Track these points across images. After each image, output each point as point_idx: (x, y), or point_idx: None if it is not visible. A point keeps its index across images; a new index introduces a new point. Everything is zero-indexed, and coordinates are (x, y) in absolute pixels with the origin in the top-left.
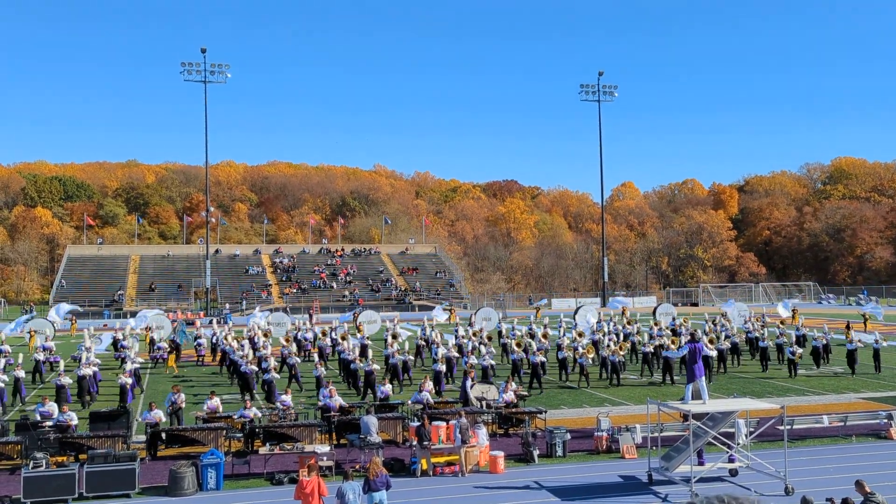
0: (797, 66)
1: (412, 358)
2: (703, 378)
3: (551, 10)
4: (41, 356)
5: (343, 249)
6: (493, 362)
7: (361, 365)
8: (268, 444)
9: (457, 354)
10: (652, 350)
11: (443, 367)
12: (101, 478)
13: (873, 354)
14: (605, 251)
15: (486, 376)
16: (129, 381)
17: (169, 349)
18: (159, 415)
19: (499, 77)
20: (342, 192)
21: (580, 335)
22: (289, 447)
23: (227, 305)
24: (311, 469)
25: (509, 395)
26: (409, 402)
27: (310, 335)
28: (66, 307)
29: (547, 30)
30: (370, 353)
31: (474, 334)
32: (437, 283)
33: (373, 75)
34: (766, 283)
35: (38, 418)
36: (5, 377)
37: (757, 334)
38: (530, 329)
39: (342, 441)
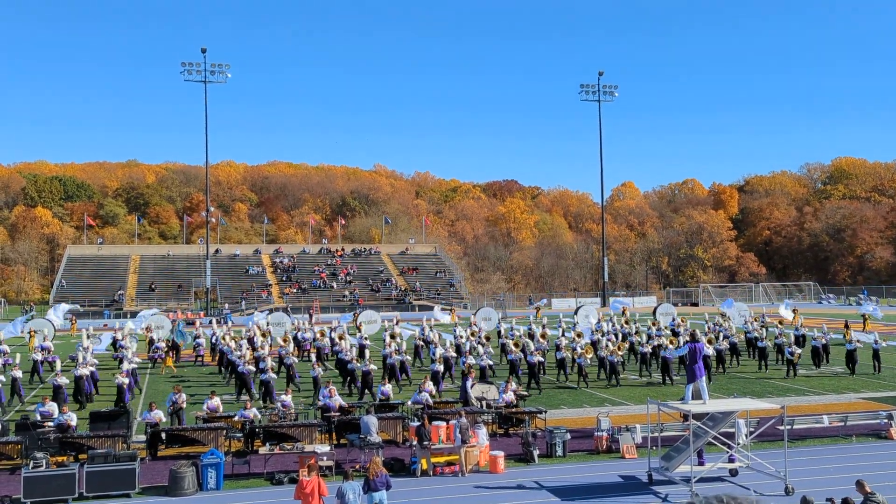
0: (797, 66)
1: (409, 358)
2: (704, 378)
3: (551, 10)
4: (39, 356)
5: (343, 249)
6: (490, 362)
7: (359, 365)
8: (268, 444)
9: (454, 354)
10: (650, 350)
11: (440, 368)
12: (102, 478)
13: (873, 354)
14: (605, 251)
15: (483, 376)
16: (126, 381)
17: (167, 349)
18: (159, 415)
19: (499, 77)
20: (342, 191)
21: (579, 335)
22: (289, 447)
23: (227, 305)
24: (311, 469)
25: (509, 396)
26: (409, 402)
27: (309, 335)
28: (64, 307)
29: (547, 30)
30: (367, 353)
31: (472, 334)
32: (437, 283)
33: (373, 75)
34: (766, 283)
35: (39, 418)
36: (2, 377)
37: (756, 334)
38: (530, 329)
39: (342, 441)
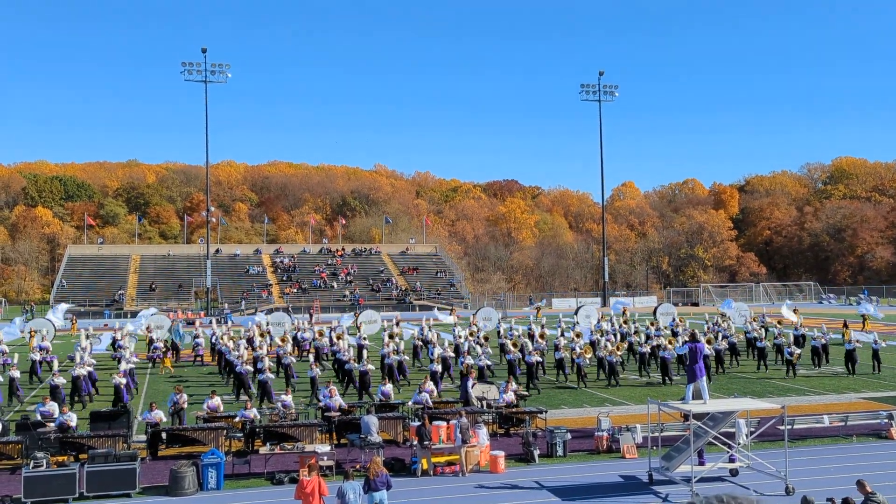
0: (797, 66)
1: (408, 358)
2: (704, 378)
3: (551, 10)
4: (37, 356)
5: (343, 249)
6: (488, 362)
7: (356, 365)
8: (268, 444)
9: (453, 355)
10: (649, 350)
11: (438, 368)
12: (102, 477)
13: (872, 354)
14: (605, 251)
15: (482, 376)
16: (124, 381)
17: (165, 349)
18: (160, 415)
19: (499, 77)
20: (343, 191)
21: (578, 335)
22: (289, 447)
23: (226, 305)
24: (312, 469)
25: (510, 396)
26: (410, 402)
27: (308, 335)
28: (63, 307)
29: (547, 30)
30: (365, 353)
31: (471, 334)
32: (437, 282)
33: (373, 75)
34: (766, 282)
35: (39, 418)
36: (0, 378)
37: (756, 334)
38: (529, 329)
39: (343, 441)
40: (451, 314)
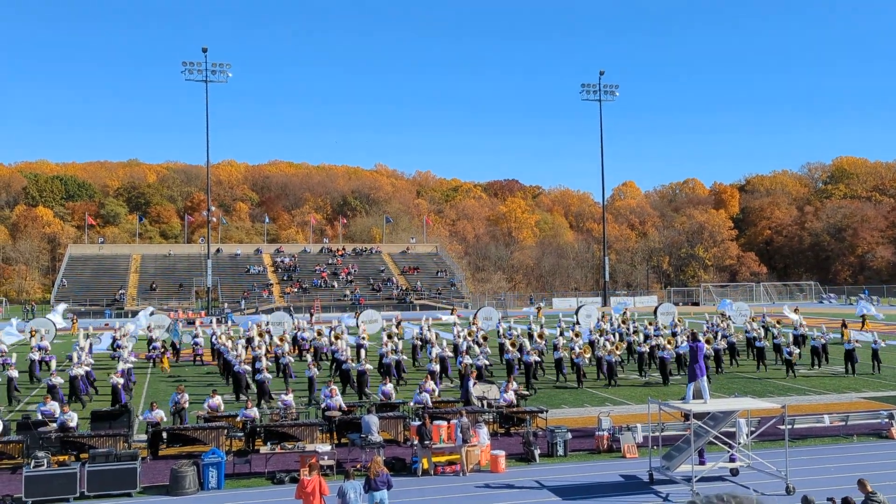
0: (797, 66)
1: (405, 358)
2: (705, 377)
3: (552, 10)
4: (36, 356)
5: (344, 249)
6: (486, 362)
7: (354, 365)
8: (269, 444)
9: (451, 354)
10: (647, 350)
11: (436, 367)
12: (103, 477)
13: (872, 354)
14: (606, 251)
15: (479, 376)
16: (121, 381)
17: (163, 349)
18: (160, 414)
19: (500, 77)
20: (343, 191)
21: (577, 335)
22: (290, 446)
23: (226, 305)
24: (312, 468)
25: (510, 395)
26: (412, 403)
27: (307, 335)
28: (62, 307)
29: (547, 30)
30: (363, 353)
31: (469, 334)
32: (438, 282)
33: (373, 75)
34: (767, 282)
35: (40, 417)
36: None
37: (755, 334)
38: (529, 329)
39: (343, 440)
40: (452, 314)
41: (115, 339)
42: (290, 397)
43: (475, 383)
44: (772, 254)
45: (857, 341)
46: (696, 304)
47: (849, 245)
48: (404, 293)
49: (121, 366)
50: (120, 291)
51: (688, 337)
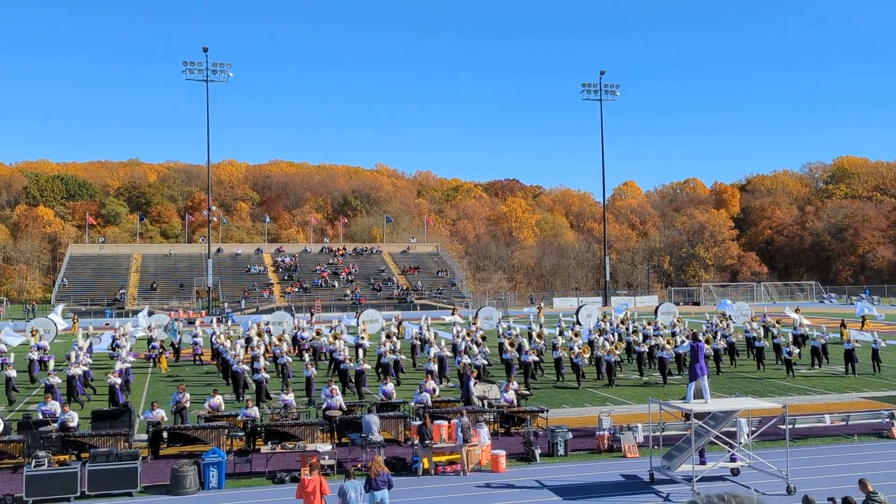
0: (797, 66)
1: (403, 357)
2: (706, 377)
3: (552, 10)
4: (35, 355)
5: (345, 248)
6: (485, 362)
7: (352, 365)
8: (269, 443)
9: (450, 354)
10: (647, 350)
11: (434, 367)
12: (103, 476)
13: (872, 354)
14: (606, 250)
15: (478, 376)
16: (118, 380)
17: (161, 349)
18: (161, 413)
19: (500, 76)
20: (344, 191)
21: (576, 335)
22: (290, 446)
23: (226, 304)
24: (313, 468)
25: (510, 395)
26: (413, 403)
27: (307, 334)
28: (60, 307)
29: (548, 29)
30: (361, 352)
31: (468, 334)
32: (438, 282)
33: (374, 75)
34: (767, 282)
35: (41, 417)
36: None
37: (754, 334)
38: (529, 328)
39: (344, 440)
40: (453, 314)
41: (114, 339)
42: (290, 397)
43: (476, 383)
44: (772, 253)
45: (856, 341)
46: (697, 303)
47: (850, 245)
48: (405, 293)
49: (118, 365)
50: (121, 291)
51: (688, 336)
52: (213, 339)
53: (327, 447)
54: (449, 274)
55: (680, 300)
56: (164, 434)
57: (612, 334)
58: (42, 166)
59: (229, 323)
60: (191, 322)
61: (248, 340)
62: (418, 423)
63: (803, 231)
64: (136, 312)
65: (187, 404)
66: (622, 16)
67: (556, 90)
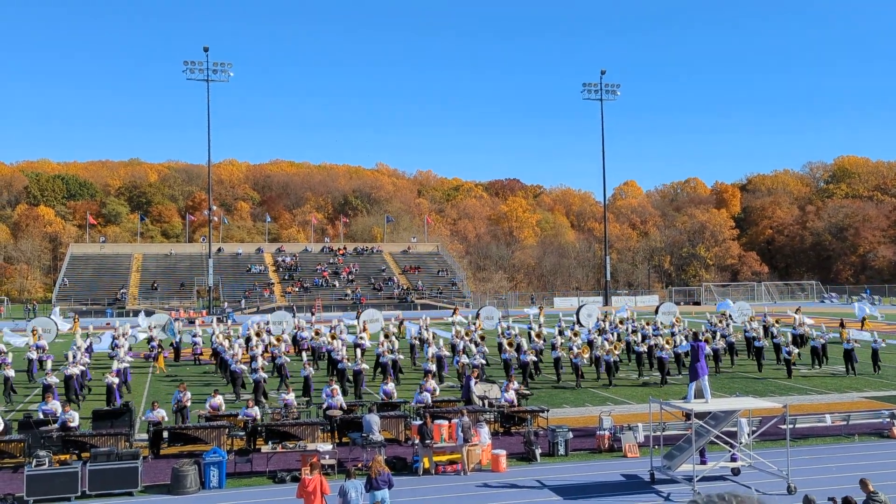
0: (797, 66)
1: (402, 357)
2: (706, 377)
3: (552, 10)
4: (34, 355)
5: (345, 248)
6: (483, 361)
7: (349, 364)
8: (270, 443)
9: (449, 354)
10: (645, 350)
11: (432, 367)
12: (104, 476)
13: (872, 354)
14: (607, 250)
15: (477, 376)
16: (116, 380)
17: (160, 348)
18: (162, 414)
19: (501, 76)
20: (344, 190)
21: (575, 335)
22: (291, 445)
23: (227, 304)
24: (314, 467)
25: (511, 395)
26: (413, 402)
27: (305, 334)
28: (56, 311)
29: (548, 29)
30: (359, 352)
31: (466, 333)
32: (439, 281)
33: (375, 74)
34: (768, 281)
35: (42, 416)
36: None
37: (754, 334)
38: (529, 328)
39: (344, 439)
40: (454, 314)
41: (114, 339)
42: (291, 396)
43: (476, 382)
44: (773, 253)
45: (855, 341)
46: (698, 303)
47: (850, 244)
48: (405, 292)
49: (115, 365)
50: (121, 291)
51: (687, 336)
52: (213, 339)
53: (328, 447)
54: (449, 274)
55: (681, 300)
56: (165, 434)
57: (612, 334)
58: (43, 166)
59: (229, 322)
60: (191, 322)
61: (248, 340)
62: (419, 422)
63: (804, 231)
64: (136, 312)
65: (188, 403)
66: (622, 16)
67: (556, 90)
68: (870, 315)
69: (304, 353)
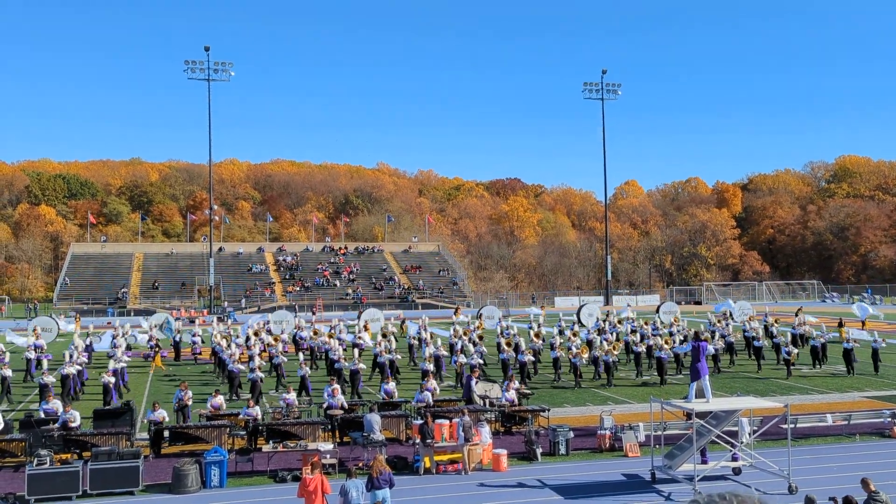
0: (797, 66)
1: (399, 357)
2: (707, 376)
3: (553, 9)
4: (32, 354)
5: (346, 247)
6: (480, 361)
7: (347, 364)
8: (271, 442)
9: (447, 353)
10: (644, 349)
11: (430, 366)
12: (105, 475)
13: (872, 354)
14: (608, 249)
15: (478, 375)
16: (113, 380)
17: (158, 346)
18: (163, 414)
19: (502, 75)
20: (345, 190)
21: (574, 335)
22: (292, 445)
23: (227, 303)
24: (315, 467)
25: (511, 394)
26: (413, 402)
27: (305, 334)
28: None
29: (548, 29)
30: (357, 352)
31: (465, 333)
32: (440, 281)
33: (375, 74)
34: (769, 281)
35: (43, 416)
36: None
37: (753, 333)
38: (529, 328)
39: (345, 439)
40: (456, 314)
41: (114, 338)
42: (292, 396)
43: (477, 382)
44: (774, 253)
45: (855, 341)
46: (699, 303)
47: (851, 244)
48: (406, 292)
49: (112, 365)
50: (122, 290)
51: (687, 336)
52: (212, 339)
53: (329, 446)
54: (450, 273)
55: (681, 299)
56: (166, 433)
57: (611, 334)
58: (44, 165)
59: (230, 322)
60: (191, 321)
61: (248, 340)
62: (420, 422)
63: (805, 230)
64: (137, 312)
65: (190, 402)
66: (622, 16)
67: (556, 90)
68: (871, 315)
69: (301, 353)
